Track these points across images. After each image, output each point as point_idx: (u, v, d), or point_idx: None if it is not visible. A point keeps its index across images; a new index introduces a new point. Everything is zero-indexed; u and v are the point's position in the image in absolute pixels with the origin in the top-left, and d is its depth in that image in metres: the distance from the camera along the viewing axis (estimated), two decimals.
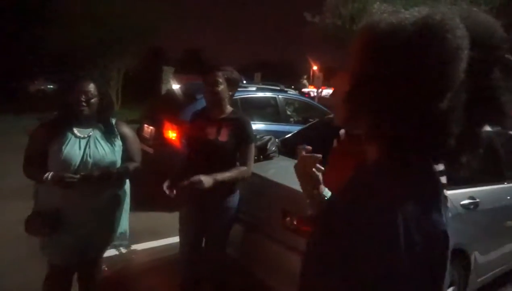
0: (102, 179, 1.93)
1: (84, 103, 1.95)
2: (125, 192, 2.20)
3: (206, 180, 1.99)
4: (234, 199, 2.26)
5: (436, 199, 0.63)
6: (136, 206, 2.48)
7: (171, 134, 4.51)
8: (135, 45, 12.96)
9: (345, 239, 0.63)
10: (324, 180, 1.61)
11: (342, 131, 1.72)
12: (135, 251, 3.39)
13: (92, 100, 1.97)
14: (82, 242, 2.00)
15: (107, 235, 2.15)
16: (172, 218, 4.18)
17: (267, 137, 2.74)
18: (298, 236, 2.17)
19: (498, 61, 0.63)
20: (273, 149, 2.67)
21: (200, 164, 2.21)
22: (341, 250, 0.64)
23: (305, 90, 21.49)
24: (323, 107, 6.42)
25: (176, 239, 3.70)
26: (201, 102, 4.74)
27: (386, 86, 0.63)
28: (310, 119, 5.99)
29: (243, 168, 2.19)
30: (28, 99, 14.88)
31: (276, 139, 2.89)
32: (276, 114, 5.44)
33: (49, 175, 1.87)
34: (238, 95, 4.94)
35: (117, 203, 2.15)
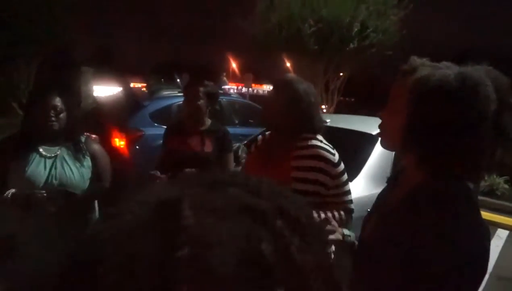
0: (68, 202, 1.80)
1: (53, 118, 1.84)
2: (95, 216, 2.08)
3: None
4: None
5: (477, 208, 0.86)
6: None
7: (119, 143, 4.35)
8: (44, 46, 11.79)
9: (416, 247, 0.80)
10: None
11: (260, 137, 1.88)
12: None
13: (61, 115, 1.87)
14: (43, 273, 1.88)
15: None
16: None
17: (237, 145, 2.86)
18: None
19: (507, 107, 0.86)
20: (244, 155, 2.81)
21: None
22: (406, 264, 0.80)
23: (225, 87, 22.41)
24: (258, 106, 6.64)
25: None
26: (149, 108, 4.69)
27: (437, 126, 0.83)
28: (250, 120, 6.21)
29: None
30: None
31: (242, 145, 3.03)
32: (222, 118, 5.55)
33: (9, 193, 1.70)
34: (179, 101, 4.88)
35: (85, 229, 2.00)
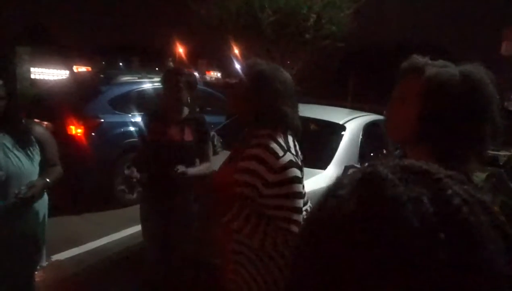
0: (28, 199, 1.66)
1: None
2: (44, 201, 1.95)
3: (188, 170, 2.11)
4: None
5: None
6: None
7: (76, 131, 4.10)
8: None
9: None
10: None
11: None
12: (58, 262, 3.07)
13: (2, 103, 1.69)
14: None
15: (33, 257, 1.91)
16: (84, 223, 3.90)
17: (211, 134, 2.84)
18: None
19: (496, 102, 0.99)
20: (219, 144, 2.81)
21: (164, 164, 2.23)
22: None
23: None
24: (218, 94, 6.57)
25: (95, 244, 3.49)
26: (108, 95, 4.44)
27: (447, 119, 0.93)
28: (208, 108, 6.14)
29: (207, 164, 2.31)
30: None
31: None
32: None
33: None
34: (139, 87, 4.73)
35: (38, 220, 1.89)
